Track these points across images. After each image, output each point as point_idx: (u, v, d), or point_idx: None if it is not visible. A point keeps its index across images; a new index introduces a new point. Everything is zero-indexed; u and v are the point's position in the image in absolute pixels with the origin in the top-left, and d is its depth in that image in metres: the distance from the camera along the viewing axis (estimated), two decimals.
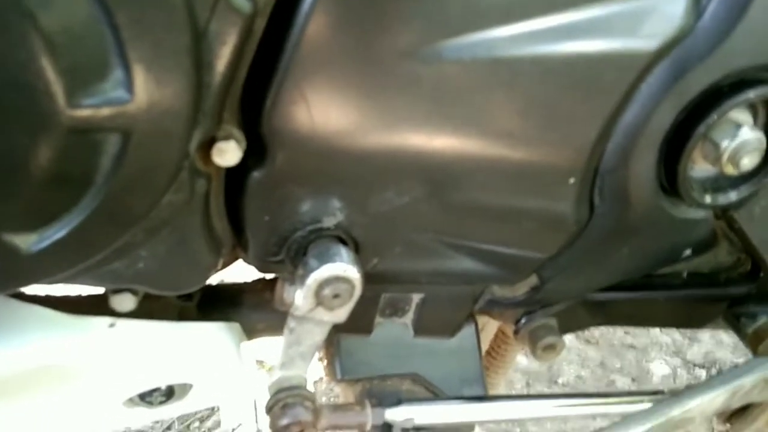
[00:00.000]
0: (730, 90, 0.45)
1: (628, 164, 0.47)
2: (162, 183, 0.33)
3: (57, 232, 0.32)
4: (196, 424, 1.17)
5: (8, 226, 0.31)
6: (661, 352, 1.52)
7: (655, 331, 1.58)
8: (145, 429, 1.15)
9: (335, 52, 0.37)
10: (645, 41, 0.42)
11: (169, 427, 1.16)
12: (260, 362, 1.17)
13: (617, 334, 1.56)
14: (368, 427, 0.50)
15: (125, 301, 0.43)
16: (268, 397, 0.48)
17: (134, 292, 0.43)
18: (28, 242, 0.32)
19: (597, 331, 1.57)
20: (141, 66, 0.28)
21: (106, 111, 0.29)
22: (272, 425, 0.46)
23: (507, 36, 0.38)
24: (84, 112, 0.28)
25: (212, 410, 1.20)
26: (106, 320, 0.44)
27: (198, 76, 0.31)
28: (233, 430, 1.16)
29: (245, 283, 0.60)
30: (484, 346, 0.82)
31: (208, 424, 1.17)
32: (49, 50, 0.26)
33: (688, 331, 1.61)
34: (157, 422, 1.17)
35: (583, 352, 1.49)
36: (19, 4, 0.25)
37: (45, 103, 0.27)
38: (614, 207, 0.50)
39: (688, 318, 0.65)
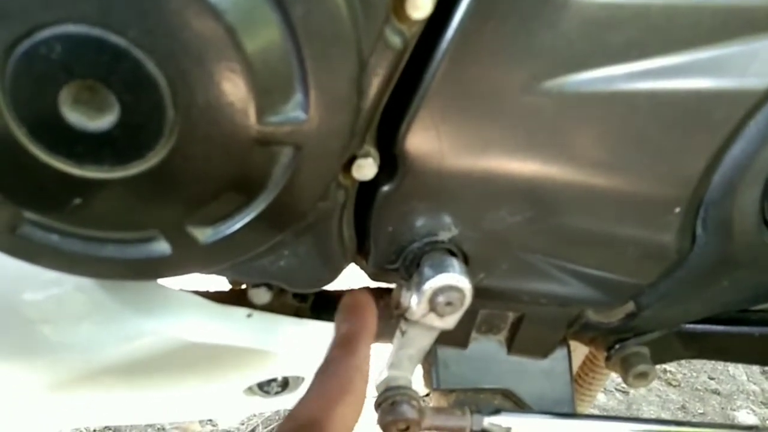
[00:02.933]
0: None
1: (733, 197, 0.49)
2: (318, 191, 0.39)
3: (229, 228, 0.38)
4: None
5: (193, 220, 0.38)
6: (747, 400, 1.46)
7: (742, 378, 1.52)
8: (232, 428, 1.22)
9: (466, 86, 0.42)
10: (755, 80, 0.44)
11: (253, 430, 1.22)
12: None
13: (701, 378, 1.51)
14: (467, 431, 0.53)
15: (262, 295, 0.49)
16: (376, 394, 0.52)
17: (270, 287, 0.49)
18: (205, 234, 0.38)
19: (680, 374, 1.52)
20: (317, 92, 0.34)
21: (286, 128, 0.34)
22: (380, 420, 0.50)
23: (625, 72, 0.42)
24: (269, 128, 0.34)
25: None
26: (245, 310, 0.49)
27: (358, 102, 0.36)
28: None
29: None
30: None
31: None
32: (250, 74, 0.32)
33: None
34: (243, 424, 1.24)
35: (664, 393, 1.45)
36: (234, 36, 0.31)
37: (239, 120, 0.33)
38: (716, 239, 0.51)
39: None
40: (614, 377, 1.50)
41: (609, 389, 1.40)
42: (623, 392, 1.41)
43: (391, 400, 0.50)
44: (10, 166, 0.33)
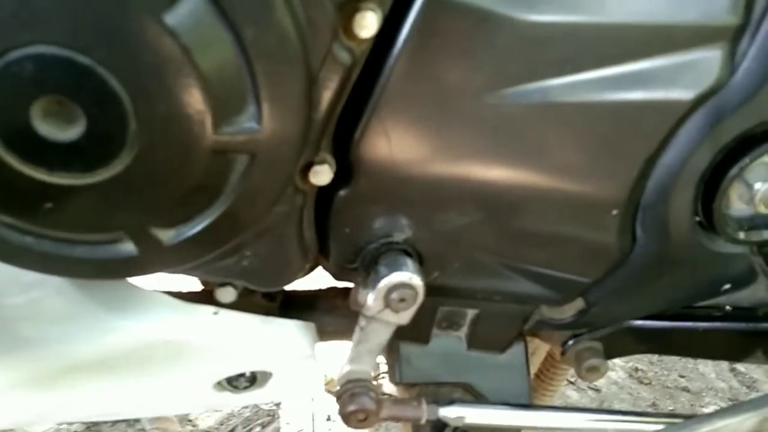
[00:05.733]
0: (762, 137, 0.50)
1: (667, 200, 0.53)
2: (273, 196, 0.42)
3: (190, 230, 0.41)
4: (258, 428, 1.25)
5: (156, 222, 0.41)
6: (716, 397, 1.50)
7: (711, 376, 1.56)
8: (211, 429, 1.24)
9: (414, 96, 0.45)
10: (683, 92, 0.48)
11: (232, 430, 1.24)
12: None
13: (671, 376, 1.56)
14: (423, 420, 0.56)
15: (228, 294, 0.52)
16: (332, 375, 0.55)
17: (235, 287, 0.52)
18: (168, 236, 0.41)
19: (651, 372, 1.57)
20: (269, 104, 0.37)
21: (240, 137, 0.37)
22: (341, 410, 0.53)
23: (560, 85, 0.45)
24: (224, 138, 0.37)
25: (273, 417, 1.28)
26: (211, 308, 0.52)
27: (308, 113, 0.39)
28: None
29: (319, 290, 0.68)
30: (533, 370, 0.87)
31: (269, 429, 1.25)
32: (205, 89, 0.35)
33: (747, 379, 1.58)
34: (222, 424, 1.26)
35: (635, 391, 1.49)
36: (189, 55, 0.34)
37: (196, 131, 0.36)
38: (655, 239, 0.55)
39: (728, 350, 0.68)
40: None
41: (582, 387, 1.44)
42: (595, 390, 1.45)
43: (350, 391, 0.54)
44: None
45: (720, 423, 0.51)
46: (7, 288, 0.49)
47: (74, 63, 0.33)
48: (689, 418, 0.59)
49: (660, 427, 0.58)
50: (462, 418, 0.56)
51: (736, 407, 0.53)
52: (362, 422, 0.53)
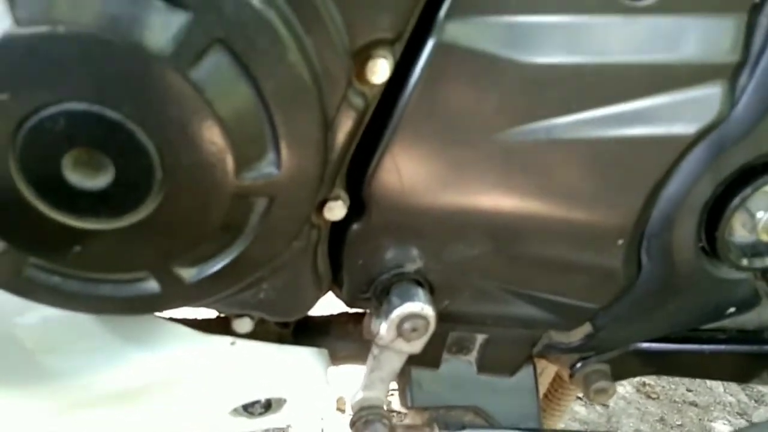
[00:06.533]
0: (762, 168, 0.51)
1: (671, 230, 0.54)
2: (292, 234, 0.44)
3: (212, 268, 0.43)
4: None
5: (178, 262, 0.42)
6: (724, 411, 1.51)
7: (719, 390, 1.57)
8: None
9: (424, 135, 0.47)
10: (684, 127, 0.49)
11: None
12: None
13: (679, 390, 1.56)
14: None
15: (245, 325, 0.54)
16: (351, 414, 0.56)
17: (252, 317, 0.54)
18: (190, 274, 0.43)
19: (659, 387, 1.57)
20: (288, 150, 0.39)
21: (260, 182, 0.39)
22: None
23: (564, 123, 0.47)
24: (245, 183, 0.39)
25: None
26: (228, 339, 0.54)
27: (325, 156, 0.41)
28: None
29: (332, 316, 0.69)
30: (542, 390, 0.88)
31: None
32: (227, 138, 0.37)
33: (755, 393, 1.58)
34: None
35: (643, 406, 1.50)
36: (212, 108, 0.36)
37: (219, 178, 0.38)
38: (660, 266, 0.57)
39: (734, 372, 0.69)
40: None
41: (590, 403, 1.45)
42: (603, 405, 1.46)
43: (364, 419, 0.55)
44: (18, 219, 0.38)
45: None
46: (17, 307, 0.50)
47: (104, 118, 0.35)
48: None
49: None
50: None
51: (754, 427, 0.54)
52: None
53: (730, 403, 1.53)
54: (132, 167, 0.37)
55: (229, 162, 0.38)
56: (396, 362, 0.55)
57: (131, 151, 0.36)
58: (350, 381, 0.61)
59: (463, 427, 0.58)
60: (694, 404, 1.51)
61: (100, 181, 0.37)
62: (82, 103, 0.34)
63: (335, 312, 0.70)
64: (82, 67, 0.34)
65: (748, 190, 0.52)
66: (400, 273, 0.54)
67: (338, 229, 0.51)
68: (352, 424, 0.55)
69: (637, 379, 1.56)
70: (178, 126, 0.36)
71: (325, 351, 0.64)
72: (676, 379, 1.58)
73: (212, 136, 0.36)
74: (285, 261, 0.48)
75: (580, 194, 0.51)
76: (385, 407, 0.56)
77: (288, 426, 1.29)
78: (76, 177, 0.37)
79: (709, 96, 0.49)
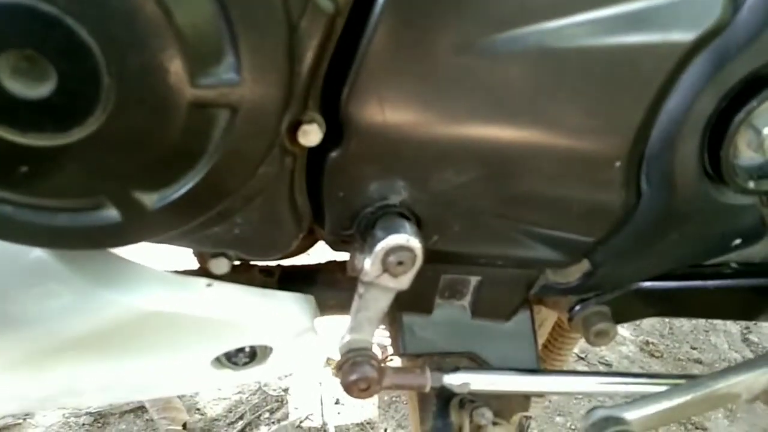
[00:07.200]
0: None
1: (672, 150, 0.51)
2: (258, 154, 0.40)
3: (174, 193, 0.40)
4: (266, 414, 1.24)
5: (137, 185, 0.39)
6: None
7: (724, 347, 1.54)
8: (220, 417, 1.24)
9: (402, 49, 0.43)
10: (683, 33, 0.45)
11: (241, 417, 1.23)
12: (329, 360, 1.24)
13: (683, 348, 1.54)
14: (427, 388, 0.55)
15: (221, 265, 0.50)
16: (338, 357, 0.53)
17: (229, 257, 0.51)
18: (152, 200, 0.40)
19: (662, 345, 1.55)
20: (248, 54, 0.35)
21: (219, 90, 0.36)
22: (342, 380, 0.52)
23: (555, 29, 0.44)
24: (203, 90, 0.35)
25: (281, 403, 1.27)
26: (205, 280, 0.51)
27: (291, 65, 0.38)
28: (300, 421, 1.22)
29: (319, 264, 0.66)
30: (541, 340, 0.85)
31: (278, 415, 1.24)
32: (180, 37, 0.34)
33: (759, 349, 1.56)
34: (231, 411, 1.25)
35: (647, 364, 1.47)
36: (161, 3, 0.32)
37: (173, 83, 0.35)
38: (661, 192, 0.53)
39: (740, 309, 0.66)
40: (599, 351, 1.53)
41: (593, 362, 1.43)
42: (606, 365, 1.44)
43: (351, 361, 0.52)
44: None
45: (736, 378, 0.50)
46: None
47: (38, 12, 0.31)
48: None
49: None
50: (467, 384, 0.55)
51: (752, 362, 0.51)
52: (364, 392, 0.52)
53: (735, 360, 1.51)
54: (75, 72, 0.33)
55: (184, 65, 0.34)
56: (383, 301, 0.52)
57: (73, 53, 0.32)
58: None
59: (456, 369, 0.56)
60: (698, 361, 1.49)
61: (41, 89, 0.33)
62: None
63: (322, 261, 0.68)
64: None
65: (753, 103, 0.48)
66: (384, 206, 0.51)
67: (316, 158, 0.48)
68: (339, 366, 0.52)
69: (641, 338, 1.53)
70: (124, 21, 0.32)
71: (311, 297, 0.61)
72: (680, 337, 1.56)
73: (162, 34, 0.33)
74: (257, 190, 0.45)
75: (573, 111, 0.47)
76: (372, 348, 0.53)
77: (286, 392, 1.27)
78: (16, 85, 0.33)
79: None
